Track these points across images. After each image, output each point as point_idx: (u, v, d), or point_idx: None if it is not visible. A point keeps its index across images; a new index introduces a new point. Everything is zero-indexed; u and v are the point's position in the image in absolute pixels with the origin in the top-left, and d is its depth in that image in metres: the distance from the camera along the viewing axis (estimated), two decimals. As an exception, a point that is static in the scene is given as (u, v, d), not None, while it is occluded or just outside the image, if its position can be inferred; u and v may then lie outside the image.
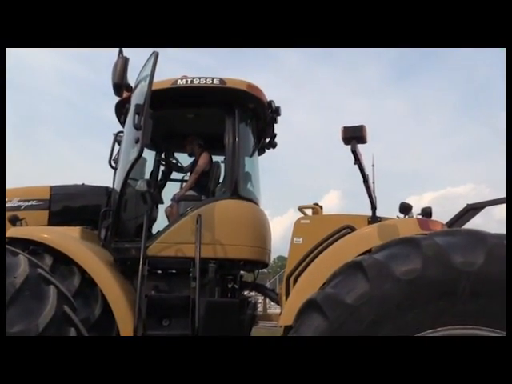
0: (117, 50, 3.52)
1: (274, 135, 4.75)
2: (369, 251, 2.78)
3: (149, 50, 3.45)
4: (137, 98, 3.57)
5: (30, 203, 4.18)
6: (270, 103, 4.32)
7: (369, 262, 2.38)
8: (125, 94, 3.76)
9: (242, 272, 4.24)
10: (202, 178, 4.26)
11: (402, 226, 3.13)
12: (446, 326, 2.19)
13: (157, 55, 3.38)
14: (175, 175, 5.02)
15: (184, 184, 4.64)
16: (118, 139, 4.57)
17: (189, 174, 4.59)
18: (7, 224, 3.82)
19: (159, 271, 3.85)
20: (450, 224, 3.96)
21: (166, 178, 4.99)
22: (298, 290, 3.09)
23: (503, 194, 3.53)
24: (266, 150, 4.92)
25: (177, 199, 4.17)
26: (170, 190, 4.71)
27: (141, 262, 3.37)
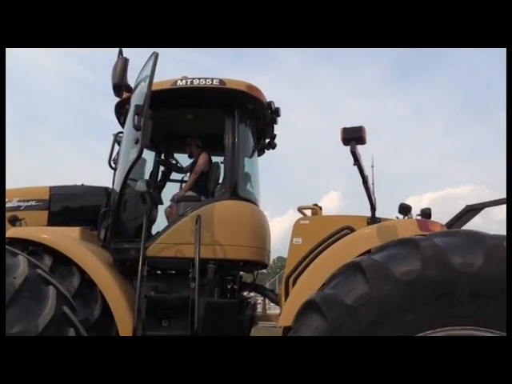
0: (117, 50, 3.53)
1: (274, 136, 4.75)
2: (368, 252, 2.78)
3: (149, 51, 3.46)
4: (136, 98, 3.58)
5: (29, 203, 4.18)
6: (269, 104, 4.32)
7: (368, 262, 2.38)
8: (125, 95, 3.76)
9: (241, 272, 4.23)
10: (201, 178, 4.26)
11: (401, 226, 3.13)
12: (444, 326, 2.20)
13: (157, 56, 3.39)
14: (175, 176, 5.02)
15: (183, 185, 4.65)
16: (117, 140, 4.58)
17: (188, 174, 4.59)
18: (7, 224, 3.81)
19: (159, 272, 3.85)
20: (449, 225, 3.95)
21: (166, 178, 4.99)
22: (297, 291, 3.09)
23: (503, 195, 3.52)
24: (266, 151, 4.92)
25: (176, 200, 4.17)
26: (170, 191, 4.71)
27: (140, 263, 3.37)
